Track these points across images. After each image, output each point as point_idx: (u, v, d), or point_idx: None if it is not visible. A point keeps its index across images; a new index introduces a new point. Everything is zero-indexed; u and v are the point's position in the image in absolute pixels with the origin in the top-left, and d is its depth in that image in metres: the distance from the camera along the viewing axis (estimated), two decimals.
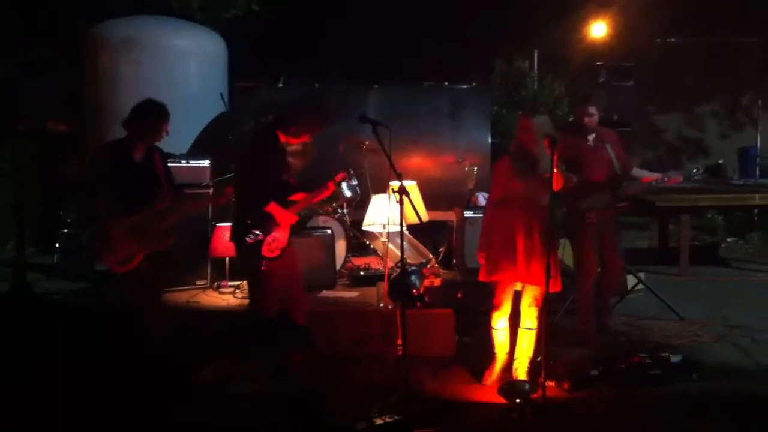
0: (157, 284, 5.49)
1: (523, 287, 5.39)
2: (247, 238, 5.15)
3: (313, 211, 7.50)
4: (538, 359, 5.30)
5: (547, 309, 5.30)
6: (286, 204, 5.29)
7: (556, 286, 5.30)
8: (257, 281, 5.34)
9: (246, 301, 6.70)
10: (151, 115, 5.43)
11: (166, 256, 5.45)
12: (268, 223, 5.18)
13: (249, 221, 5.16)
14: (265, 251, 5.19)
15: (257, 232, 5.16)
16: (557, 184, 5.15)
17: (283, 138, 5.29)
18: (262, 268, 5.21)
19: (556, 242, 5.43)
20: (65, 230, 8.97)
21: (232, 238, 5.37)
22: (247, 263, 5.36)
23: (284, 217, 5.25)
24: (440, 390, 5.47)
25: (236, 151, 7.57)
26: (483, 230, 5.50)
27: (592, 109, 6.36)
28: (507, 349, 5.54)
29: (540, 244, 5.21)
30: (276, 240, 5.22)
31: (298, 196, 5.39)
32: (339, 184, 5.52)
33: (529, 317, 5.38)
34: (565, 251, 6.81)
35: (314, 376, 5.32)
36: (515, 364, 5.45)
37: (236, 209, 5.38)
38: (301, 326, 5.29)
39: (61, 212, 9.16)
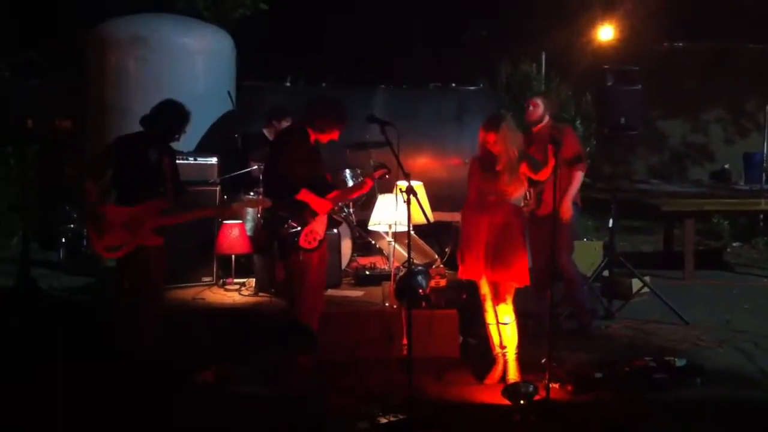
0: (150, 279, 5.48)
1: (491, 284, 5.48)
2: (284, 230, 5.17)
3: None
4: (542, 361, 5.32)
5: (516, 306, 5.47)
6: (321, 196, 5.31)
7: (523, 281, 5.41)
8: (296, 274, 5.33)
9: (252, 299, 6.76)
10: (172, 116, 5.48)
11: (154, 253, 5.45)
12: (303, 214, 5.20)
13: (283, 213, 5.18)
14: (303, 242, 5.20)
15: (293, 223, 5.17)
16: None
17: (312, 134, 5.32)
18: (300, 258, 5.22)
19: (522, 238, 5.50)
20: (70, 226, 8.98)
21: (266, 230, 5.37)
22: (284, 255, 5.36)
23: (319, 204, 5.25)
24: (444, 391, 5.48)
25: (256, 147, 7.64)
26: (462, 229, 5.64)
27: (536, 100, 6.70)
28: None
29: (505, 240, 5.34)
30: (314, 232, 5.24)
31: (332, 194, 5.42)
32: (378, 181, 5.56)
33: (501, 312, 5.46)
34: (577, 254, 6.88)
35: (317, 376, 5.32)
36: (506, 356, 5.50)
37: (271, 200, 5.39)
38: (308, 327, 5.28)
39: (66, 207, 9.17)
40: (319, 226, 5.28)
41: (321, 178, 5.45)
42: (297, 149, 5.28)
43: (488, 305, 5.55)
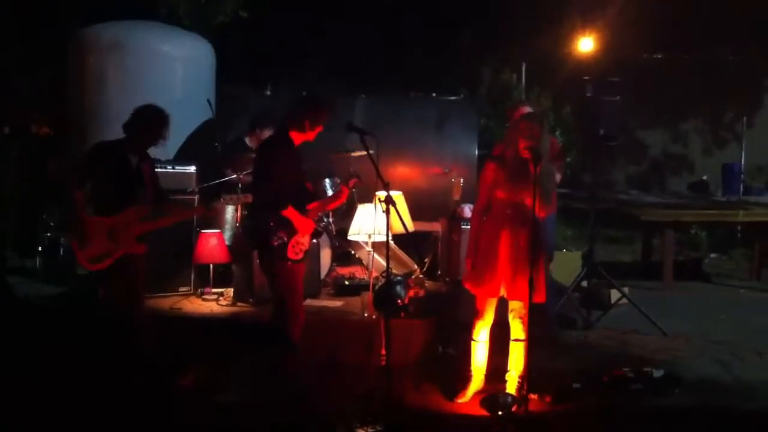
0: (131, 288, 5.45)
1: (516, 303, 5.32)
2: (272, 240, 5.13)
3: None
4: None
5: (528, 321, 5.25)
6: (303, 209, 5.28)
7: (539, 298, 5.20)
8: (283, 284, 5.28)
9: (230, 309, 6.73)
10: (152, 121, 5.45)
11: (138, 260, 5.44)
12: (291, 225, 5.17)
13: (272, 223, 5.14)
14: (291, 253, 5.18)
15: (282, 234, 5.14)
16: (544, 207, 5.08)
17: (298, 137, 5.28)
18: (288, 266, 5.20)
19: (543, 253, 5.38)
20: (47, 234, 8.89)
21: (253, 240, 5.30)
22: (271, 265, 5.30)
23: (302, 223, 5.23)
24: (421, 401, 5.46)
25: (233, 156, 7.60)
26: (471, 237, 5.45)
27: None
28: (484, 369, 5.48)
29: (526, 256, 5.10)
30: (300, 243, 5.22)
31: (312, 205, 5.39)
32: (353, 190, 5.53)
33: (517, 329, 5.32)
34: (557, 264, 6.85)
35: (296, 384, 5.30)
36: (507, 376, 5.38)
37: (256, 212, 5.34)
38: (287, 334, 5.25)
39: (44, 215, 9.09)
40: (305, 238, 5.27)
41: (303, 188, 5.42)
42: (282, 161, 5.23)
43: (480, 323, 5.38)
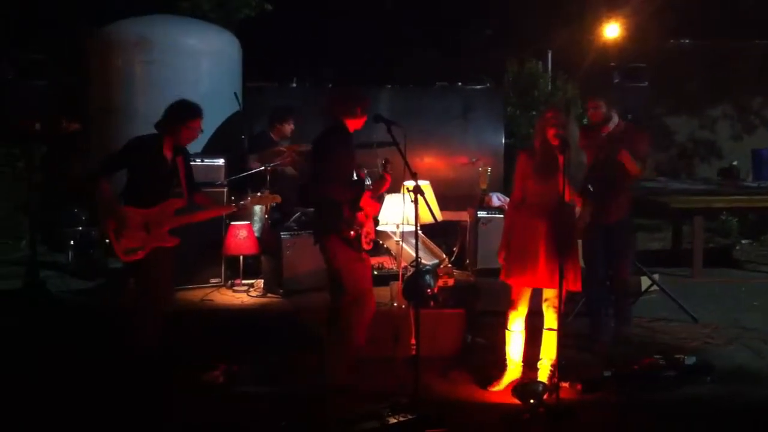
0: (161, 280, 5.49)
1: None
2: (351, 232, 5.15)
3: None
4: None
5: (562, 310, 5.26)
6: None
7: (575, 286, 5.28)
8: (360, 276, 5.30)
9: (261, 300, 6.77)
10: (184, 115, 5.47)
11: (169, 253, 5.48)
12: (358, 216, 5.20)
13: (347, 216, 5.14)
14: (364, 243, 5.23)
15: (356, 225, 5.17)
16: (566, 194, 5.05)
17: (352, 125, 5.31)
18: (363, 257, 5.28)
19: (576, 243, 5.38)
20: (78, 228, 8.98)
21: (334, 231, 5.22)
22: (338, 257, 5.28)
23: (374, 207, 5.33)
24: (452, 390, 5.49)
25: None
26: (504, 230, 5.46)
27: (598, 102, 6.34)
28: (520, 359, 5.46)
29: (564, 249, 5.07)
30: (369, 233, 5.27)
31: (367, 193, 5.42)
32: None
33: (550, 318, 5.31)
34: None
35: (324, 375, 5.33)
36: (539, 365, 5.38)
37: (328, 207, 5.24)
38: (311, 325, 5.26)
39: (75, 209, 9.17)
40: (371, 227, 5.33)
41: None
42: (349, 154, 5.28)
43: (514, 314, 5.38)
